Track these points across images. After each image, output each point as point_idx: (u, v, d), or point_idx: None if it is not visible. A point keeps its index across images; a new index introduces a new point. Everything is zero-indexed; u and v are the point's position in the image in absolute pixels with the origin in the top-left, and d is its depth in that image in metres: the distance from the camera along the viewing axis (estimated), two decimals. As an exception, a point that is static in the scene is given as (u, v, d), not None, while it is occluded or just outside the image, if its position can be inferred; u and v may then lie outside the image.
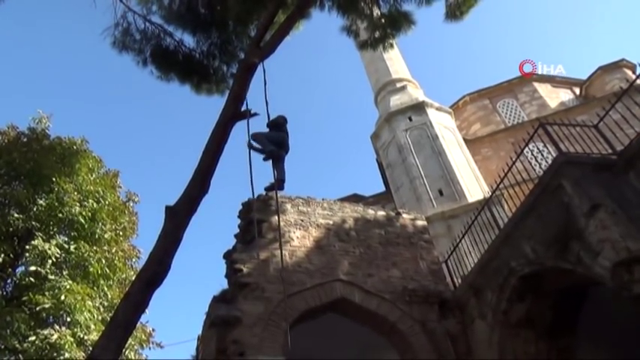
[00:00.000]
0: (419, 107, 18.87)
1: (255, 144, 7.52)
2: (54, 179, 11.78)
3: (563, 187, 6.01)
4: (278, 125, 7.92)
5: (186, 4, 9.94)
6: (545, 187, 6.38)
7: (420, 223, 9.47)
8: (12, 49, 40.05)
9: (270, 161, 7.63)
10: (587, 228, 5.60)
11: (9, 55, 39.99)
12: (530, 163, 9.63)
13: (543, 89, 23.12)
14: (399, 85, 20.87)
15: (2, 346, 9.87)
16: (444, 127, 18.59)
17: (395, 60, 21.92)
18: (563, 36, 51.04)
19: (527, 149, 7.60)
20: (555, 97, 23.05)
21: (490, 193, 8.56)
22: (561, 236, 5.98)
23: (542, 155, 8.26)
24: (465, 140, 19.29)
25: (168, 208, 6.16)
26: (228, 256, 7.78)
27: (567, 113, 18.45)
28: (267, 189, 7.95)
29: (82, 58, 43.40)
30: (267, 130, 7.88)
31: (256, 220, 7.43)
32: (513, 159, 7.59)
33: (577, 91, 23.52)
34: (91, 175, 13.09)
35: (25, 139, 12.77)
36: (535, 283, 6.76)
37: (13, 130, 13.20)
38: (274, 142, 7.68)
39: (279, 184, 7.61)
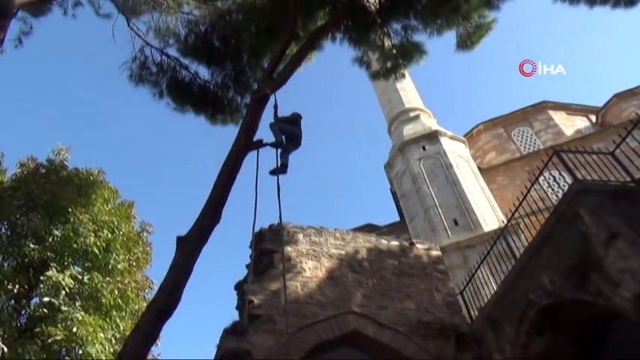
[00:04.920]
0: (432, 136, 18.86)
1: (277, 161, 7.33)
2: (70, 210, 11.87)
3: (580, 215, 5.86)
4: (292, 122, 7.88)
5: (201, 38, 10.22)
6: (561, 216, 6.23)
7: (435, 253, 9.30)
8: (37, 83, 41.44)
9: (277, 150, 7.44)
10: (606, 258, 5.43)
11: (33, 89, 41.37)
12: (547, 192, 9.47)
13: (558, 117, 22.99)
14: (412, 114, 20.95)
15: (14, 380, 9.79)
16: (458, 155, 18.50)
17: (408, 89, 22.07)
18: (579, 64, 51.02)
19: (543, 178, 7.48)
20: (571, 125, 22.88)
21: (505, 223, 8.40)
22: (580, 267, 5.80)
23: (559, 184, 8.12)
24: (480, 169, 19.14)
25: (179, 239, 6.16)
26: (239, 287, 7.70)
27: (583, 141, 18.29)
28: (272, 172, 7.46)
29: (102, 91, 44.60)
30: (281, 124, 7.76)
31: (268, 251, 7.38)
32: (528, 188, 7.47)
33: (593, 118, 23.34)
34: (107, 206, 13.19)
35: (43, 171, 12.97)
36: (554, 315, 6.53)
37: (33, 161, 13.44)
38: (287, 136, 7.54)
39: (282, 169, 7.28)
